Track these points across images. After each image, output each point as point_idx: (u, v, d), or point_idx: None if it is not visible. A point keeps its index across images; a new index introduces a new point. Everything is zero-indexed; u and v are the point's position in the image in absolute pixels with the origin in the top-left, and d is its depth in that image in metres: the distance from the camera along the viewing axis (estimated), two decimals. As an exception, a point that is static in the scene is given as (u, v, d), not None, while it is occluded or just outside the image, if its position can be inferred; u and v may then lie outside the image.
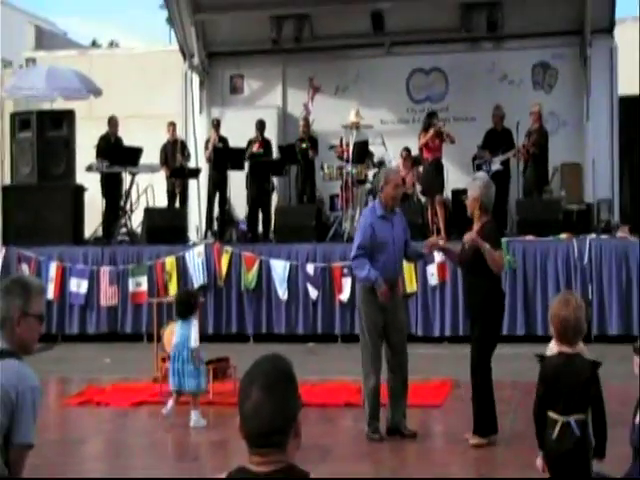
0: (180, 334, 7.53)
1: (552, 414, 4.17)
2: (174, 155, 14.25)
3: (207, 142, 14.24)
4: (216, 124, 14.29)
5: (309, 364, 9.52)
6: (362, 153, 13.13)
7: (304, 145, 13.77)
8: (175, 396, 7.50)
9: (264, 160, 13.75)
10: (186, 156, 14.43)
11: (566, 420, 4.14)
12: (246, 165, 13.73)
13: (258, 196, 13.71)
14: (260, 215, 13.81)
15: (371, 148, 13.50)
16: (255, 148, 13.72)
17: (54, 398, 8.87)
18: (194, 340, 7.47)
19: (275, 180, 14.35)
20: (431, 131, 12.82)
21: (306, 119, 14.42)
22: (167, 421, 7.45)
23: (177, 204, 14.35)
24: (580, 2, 13.99)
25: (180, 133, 15.14)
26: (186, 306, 7.61)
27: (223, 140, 14.15)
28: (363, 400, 6.85)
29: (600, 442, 4.20)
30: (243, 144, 13.81)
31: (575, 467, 4.16)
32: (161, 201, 14.36)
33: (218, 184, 13.99)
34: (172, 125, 14.52)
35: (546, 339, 10.72)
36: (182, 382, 7.40)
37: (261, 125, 13.91)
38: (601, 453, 4.22)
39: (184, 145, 14.55)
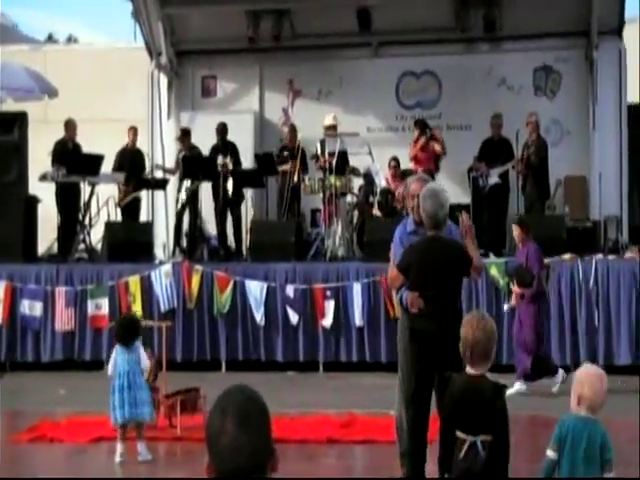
0: (126, 360, 7.39)
1: (460, 434, 4.52)
2: (133, 164, 14.25)
3: (178, 154, 14.21)
4: (185, 134, 14.23)
5: (288, 395, 9.51)
6: (343, 164, 13.25)
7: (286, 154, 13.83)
8: (121, 432, 7.34)
9: (239, 171, 13.79)
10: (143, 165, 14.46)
11: (473, 440, 4.48)
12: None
13: (229, 209, 13.72)
14: (231, 230, 13.83)
15: (357, 158, 13.60)
16: (221, 160, 13.65)
17: (3, 434, 8.84)
18: (144, 360, 7.46)
19: (249, 192, 14.39)
20: (420, 141, 12.93)
21: (292, 126, 14.49)
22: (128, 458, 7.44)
23: (137, 218, 14.31)
24: (586, 0, 14.19)
25: (146, 140, 15.16)
26: (130, 330, 7.53)
27: (195, 149, 14.15)
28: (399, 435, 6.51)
29: (501, 464, 4.52)
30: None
31: None
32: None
33: (188, 196, 14.00)
34: (133, 130, 14.55)
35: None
36: (133, 412, 7.29)
37: (223, 128, 13.93)
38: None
39: (142, 154, 14.58)
